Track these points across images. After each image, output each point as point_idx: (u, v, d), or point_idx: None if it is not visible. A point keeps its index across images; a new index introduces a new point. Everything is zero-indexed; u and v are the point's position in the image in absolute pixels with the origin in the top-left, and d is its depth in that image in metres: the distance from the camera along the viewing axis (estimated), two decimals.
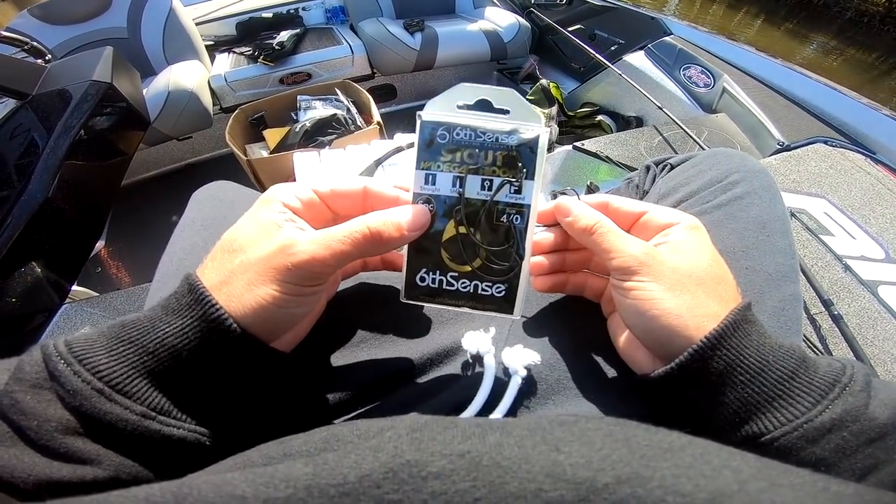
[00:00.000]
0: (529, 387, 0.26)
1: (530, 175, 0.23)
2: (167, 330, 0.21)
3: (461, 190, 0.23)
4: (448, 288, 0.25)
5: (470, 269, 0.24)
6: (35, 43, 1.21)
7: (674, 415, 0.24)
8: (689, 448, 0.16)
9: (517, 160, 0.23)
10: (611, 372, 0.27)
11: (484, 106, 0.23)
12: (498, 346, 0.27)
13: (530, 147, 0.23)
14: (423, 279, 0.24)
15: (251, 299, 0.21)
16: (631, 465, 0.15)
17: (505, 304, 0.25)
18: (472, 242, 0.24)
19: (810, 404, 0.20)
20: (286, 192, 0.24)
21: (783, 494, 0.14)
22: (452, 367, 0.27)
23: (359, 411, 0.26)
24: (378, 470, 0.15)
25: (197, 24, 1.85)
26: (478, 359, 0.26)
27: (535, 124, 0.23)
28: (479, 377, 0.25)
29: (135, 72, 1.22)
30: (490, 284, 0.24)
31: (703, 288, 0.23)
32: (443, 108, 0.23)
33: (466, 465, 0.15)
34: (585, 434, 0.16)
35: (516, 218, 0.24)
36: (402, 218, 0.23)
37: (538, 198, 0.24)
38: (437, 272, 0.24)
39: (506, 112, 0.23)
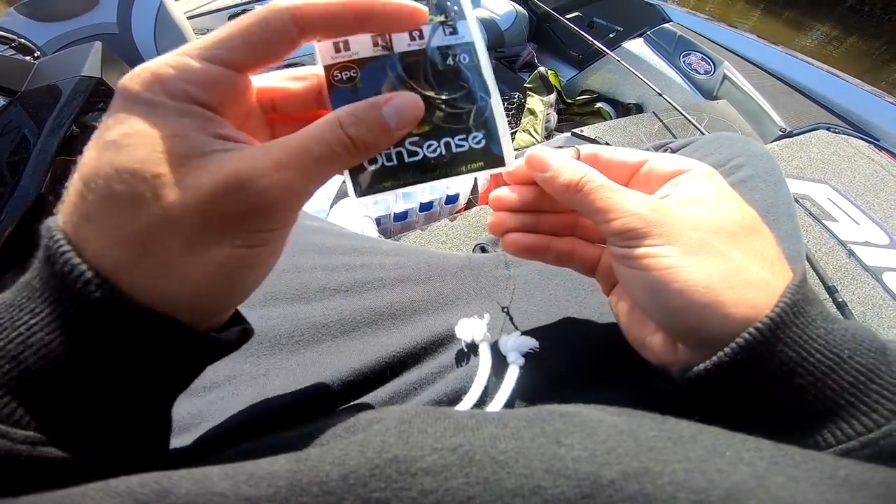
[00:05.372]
0: (528, 376, 0.25)
1: (461, 15, 0.20)
2: (31, 323, 0.14)
3: (386, 43, 0.19)
4: (412, 159, 0.20)
5: (430, 124, 0.20)
6: (23, 40, 1.19)
7: (693, 405, 0.21)
8: (700, 439, 0.15)
9: (441, 7, 0.20)
10: (616, 358, 0.26)
11: None
12: (494, 334, 0.26)
13: None
14: (374, 159, 0.19)
15: (190, 269, 0.15)
16: (639, 459, 0.14)
17: (491, 154, 0.21)
18: (421, 96, 0.19)
19: (890, 413, 0.16)
20: (168, 76, 0.15)
21: (803, 490, 0.13)
22: (446, 357, 0.26)
23: (348, 405, 0.25)
24: (363, 466, 0.14)
25: (189, 18, 1.82)
26: (473, 347, 0.25)
27: None
28: (475, 367, 0.24)
29: (126, 66, 1.21)
30: (464, 136, 0.20)
31: (736, 244, 0.18)
32: None
33: (459, 460, 0.14)
34: (588, 425, 0.15)
35: (463, 57, 0.20)
36: (386, 114, 0.17)
37: (479, 33, 0.21)
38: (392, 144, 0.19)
39: None
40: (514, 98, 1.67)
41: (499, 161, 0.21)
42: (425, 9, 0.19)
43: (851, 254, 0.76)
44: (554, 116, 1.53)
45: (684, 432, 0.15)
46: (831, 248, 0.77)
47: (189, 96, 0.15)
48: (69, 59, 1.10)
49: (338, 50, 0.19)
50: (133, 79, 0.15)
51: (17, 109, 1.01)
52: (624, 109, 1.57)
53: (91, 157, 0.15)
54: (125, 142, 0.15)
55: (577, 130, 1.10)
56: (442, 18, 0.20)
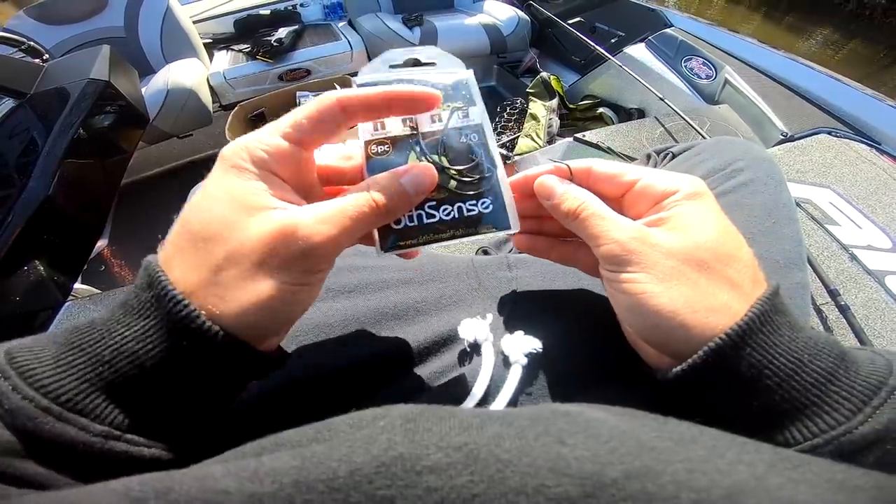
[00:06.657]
0: (531, 376, 0.25)
1: (472, 102, 0.25)
2: (126, 334, 0.17)
3: (413, 125, 0.24)
4: (430, 221, 0.23)
5: (446, 192, 0.24)
6: (32, 43, 1.21)
7: (686, 406, 0.23)
8: (701, 440, 0.15)
9: (457, 95, 0.25)
10: (618, 358, 0.26)
11: (413, 64, 0.26)
12: (497, 334, 0.26)
13: (464, 84, 0.25)
14: (398, 220, 0.23)
15: (247, 296, 0.18)
16: (641, 459, 0.14)
17: (498, 217, 0.24)
18: (439, 167, 0.24)
19: (849, 412, 0.18)
20: (254, 148, 0.20)
21: (802, 491, 0.13)
22: (449, 357, 0.27)
23: (351, 403, 0.25)
24: (369, 463, 0.14)
25: (195, 23, 1.84)
26: (475, 347, 0.26)
27: (460, 69, 0.26)
28: (478, 367, 0.25)
29: (132, 70, 1.22)
30: (474, 202, 0.24)
31: (706, 273, 0.20)
32: (376, 71, 0.25)
33: (463, 459, 0.14)
34: (591, 425, 0.16)
35: (473, 136, 0.25)
36: (405, 182, 0.21)
37: (486, 117, 0.25)
38: (413, 207, 0.23)
39: (433, 64, 0.26)
40: (517, 103, 1.68)
41: (504, 222, 0.24)
42: (439, 93, 0.23)
43: (854, 257, 0.75)
44: (556, 121, 1.53)
45: (685, 433, 0.15)
46: (833, 252, 0.77)
47: (266, 165, 0.20)
48: (77, 62, 1.11)
49: (375, 129, 0.24)
50: (231, 147, 0.20)
51: (26, 111, 1.02)
52: (626, 114, 1.58)
53: (193, 203, 0.20)
54: (216, 194, 0.19)
55: (579, 135, 1.11)
56: (457, 105, 0.25)
